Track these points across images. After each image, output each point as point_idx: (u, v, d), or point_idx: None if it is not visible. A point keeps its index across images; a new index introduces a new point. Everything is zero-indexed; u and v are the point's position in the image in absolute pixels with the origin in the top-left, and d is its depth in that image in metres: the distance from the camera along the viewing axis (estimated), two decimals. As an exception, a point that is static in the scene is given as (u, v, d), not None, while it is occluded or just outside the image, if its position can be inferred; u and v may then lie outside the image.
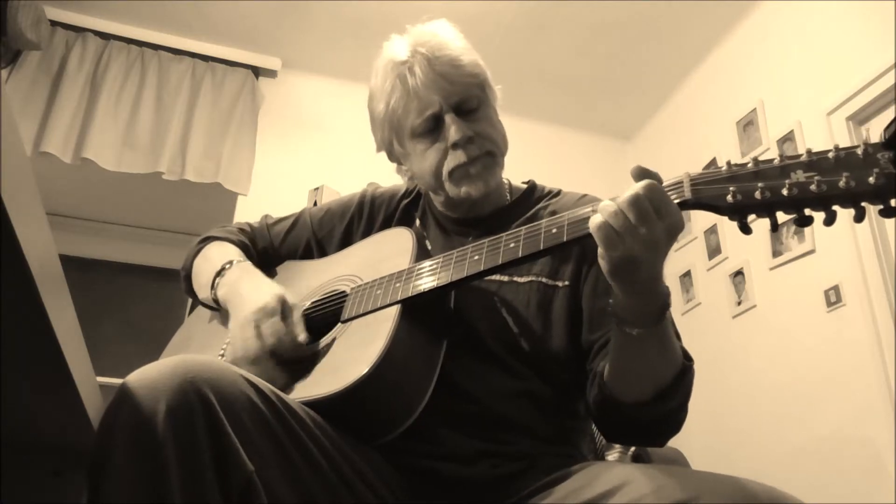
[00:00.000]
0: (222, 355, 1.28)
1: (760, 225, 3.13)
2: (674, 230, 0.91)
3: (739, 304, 3.48)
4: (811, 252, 3.08)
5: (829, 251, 3.00)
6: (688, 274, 3.88)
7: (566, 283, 1.22)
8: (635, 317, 0.97)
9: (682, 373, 1.03)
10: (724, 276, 3.60)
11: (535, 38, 3.93)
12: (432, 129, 1.26)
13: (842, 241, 2.92)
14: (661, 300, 0.97)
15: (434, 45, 1.26)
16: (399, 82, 1.26)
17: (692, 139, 3.96)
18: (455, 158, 1.25)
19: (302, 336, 1.13)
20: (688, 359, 1.06)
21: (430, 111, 1.25)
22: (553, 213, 1.23)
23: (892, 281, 2.74)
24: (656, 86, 4.27)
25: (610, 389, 1.06)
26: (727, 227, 3.60)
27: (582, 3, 3.68)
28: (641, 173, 0.92)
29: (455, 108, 1.25)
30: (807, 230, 3.10)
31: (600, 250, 0.93)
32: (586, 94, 4.34)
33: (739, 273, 3.49)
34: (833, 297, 2.94)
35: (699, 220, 3.83)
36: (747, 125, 3.56)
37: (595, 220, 0.91)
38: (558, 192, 1.38)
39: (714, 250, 3.70)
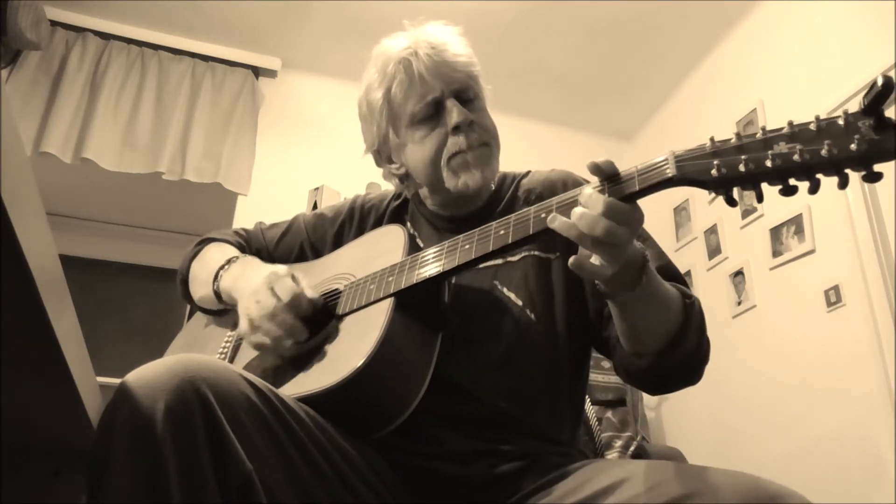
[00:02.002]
0: (221, 356, 1.28)
1: (760, 226, 3.13)
2: (637, 228, 0.93)
3: (739, 304, 3.48)
4: (811, 252, 3.08)
5: (829, 251, 3.00)
6: (688, 274, 3.88)
7: (558, 254, 1.24)
8: (619, 286, 0.99)
9: (686, 312, 1.06)
10: (724, 276, 3.60)
11: (534, 38, 3.93)
12: (432, 114, 1.28)
13: (842, 241, 2.92)
14: (637, 265, 0.98)
15: (436, 37, 1.30)
16: (402, 67, 1.27)
17: (692, 139, 3.89)
18: (455, 144, 1.26)
19: (313, 294, 1.17)
20: (687, 297, 1.08)
21: (432, 96, 1.27)
22: (528, 190, 1.32)
23: (893, 281, 2.74)
24: (656, 85, 4.27)
25: (627, 351, 1.09)
26: (727, 227, 3.60)
27: (582, 3, 3.68)
28: (595, 169, 0.96)
29: (455, 95, 1.27)
30: (807, 230, 3.10)
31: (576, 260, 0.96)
32: (586, 93, 4.35)
33: (739, 273, 3.49)
34: (833, 297, 2.94)
35: (699, 220, 3.83)
36: (747, 125, 3.55)
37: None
38: (527, 173, 1.41)
39: (714, 250, 3.70)
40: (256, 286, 1.15)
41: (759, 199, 0.88)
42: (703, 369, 1.12)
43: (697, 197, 3.81)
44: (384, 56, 1.31)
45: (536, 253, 1.24)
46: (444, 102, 1.27)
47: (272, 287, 1.14)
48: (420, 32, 1.31)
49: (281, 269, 1.19)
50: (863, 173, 0.82)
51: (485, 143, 1.28)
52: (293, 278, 1.17)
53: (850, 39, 3.06)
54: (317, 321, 1.18)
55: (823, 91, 3.11)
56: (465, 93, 1.29)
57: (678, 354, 1.06)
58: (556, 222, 0.94)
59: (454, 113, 1.25)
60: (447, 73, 1.27)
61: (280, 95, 4.08)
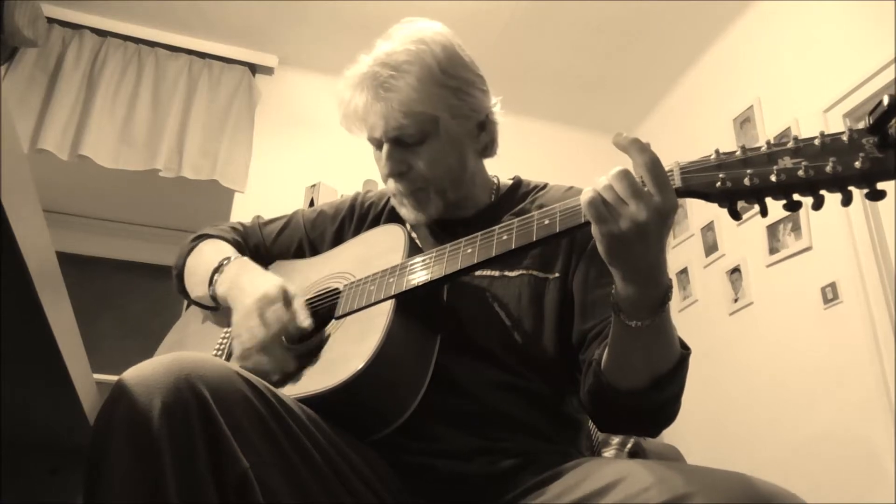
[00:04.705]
0: (218, 353, 1.28)
1: (757, 223, 3.13)
2: (664, 211, 0.89)
3: (736, 301, 3.48)
4: (808, 249, 3.09)
5: (826, 248, 3.01)
6: (684, 271, 3.89)
7: (556, 274, 1.21)
8: (634, 308, 0.96)
9: (680, 363, 1.02)
10: (720, 274, 3.61)
11: (532, 36, 3.93)
12: (379, 146, 1.27)
13: (839, 239, 2.93)
14: (661, 292, 0.95)
15: (389, 70, 1.22)
16: (349, 101, 1.27)
17: (689, 137, 3.97)
18: (391, 185, 1.28)
19: (306, 322, 1.14)
20: (685, 348, 1.04)
21: (373, 135, 1.26)
22: (541, 206, 1.21)
23: (889, 278, 2.74)
24: (653, 83, 4.27)
25: (605, 377, 1.04)
26: (724, 224, 3.61)
27: (579, 2, 3.68)
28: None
29: (394, 140, 1.24)
30: (803, 227, 3.10)
31: (593, 228, 0.93)
32: (583, 91, 4.35)
33: (736, 270, 3.50)
34: (830, 294, 2.95)
35: (696, 217, 3.84)
36: (744, 122, 3.56)
37: (586, 194, 0.92)
38: (545, 186, 1.38)
39: (711, 247, 3.71)
40: (247, 310, 1.14)
41: (763, 213, 0.87)
42: (664, 425, 1.09)
43: (695, 194, 3.81)
44: (345, 79, 1.30)
45: (534, 272, 1.22)
46: (382, 143, 1.26)
47: (262, 314, 1.12)
48: (377, 60, 1.24)
49: (272, 289, 1.15)
50: (866, 191, 0.82)
51: (419, 188, 1.26)
52: (285, 298, 1.15)
53: (847, 37, 3.06)
54: (316, 321, 1.17)
55: (820, 89, 3.11)
56: (408, 137, 1.24)
57: (653, 400, 1.03)
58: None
59: (382, 163, 1.26)
60: (385, 117, 1.22)
61: (277, 92, 4.07)
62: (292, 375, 1.10)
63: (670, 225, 0.92)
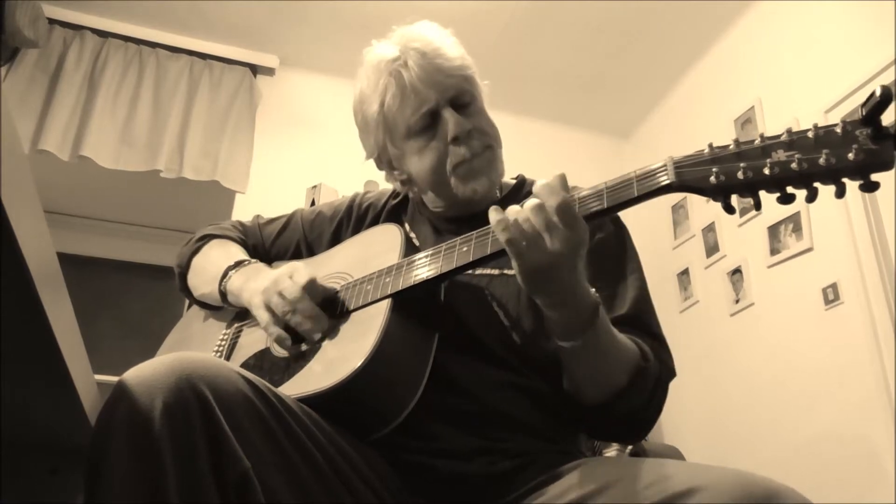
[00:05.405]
0: (218, 353, 1.28)
1: (758, 224, 3.12)
2: (577, 245, 0.94)
3: (737, 302, 3.48)
4: (809, 250, 3.09)
5: (827, 249, 3.01)
6: (686, 272, 3.89)
7: None
8: (563, 330, 1.02)
9: (638, 374, 1.06)
10: (721, 274, 3.60)
11: (532, 36, 3.93)
12: (428, 125, 1.26)
13: (840, 239, 2.93)
14: (586, 312, 1.00)
15: (424, 41, 1.26)
16: (393, 79, 1.25)
17: (690, 137, 3.96)
18: (457, 154, 1.25)
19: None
20: (645, 360, 1.08)
21: (427, 107, 1.24)
22: None
23: (890, 278, 2.74)
24: (654, 83, 4.27)
25: (571, 393, 1.11)
26: (725, 224, 3.61)
27: (579, 2, 3.68)
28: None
29: (451, 103, 1.25)
30: (804, 228, 3.10)
31: (513, 262, 0.98)
32: (584, 91, 4.34)
33: (737, 271, 3.50)
34: (831, 295, 2.95)
35: (697, 218, 3.84)
36: (745, 123, 3.56)
37: (503, 233, 0.96)
38: None
39: (712, 248, 3.70)
40: (279, 272, 1.18)
41: (757, 206, 0.88)
42: (641, 432, 1.15)
43: (695, 195, 3.81)
44: (374, 68, 1.28)
45: None
46: (440, 112, 1.25)
47: (291, 276, 1.16)
48: (408, 38, 1.27)
49: (301, 264, 1.22)
50: (860, 183, 0.82)
51: (487, 146, 1.27)
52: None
53: (848, 37, 3.06)
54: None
55: (821, 89, 3.11)
56: (461, 98, 1.27)
57: (619, 411, 1.08)
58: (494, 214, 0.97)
59: (451, 124, 1.23)
60: (440, 81, 1.24)
61: (278, 93, 4.07)
62: (290, 375, 1.10)
63: (582, 256, 0.97)
